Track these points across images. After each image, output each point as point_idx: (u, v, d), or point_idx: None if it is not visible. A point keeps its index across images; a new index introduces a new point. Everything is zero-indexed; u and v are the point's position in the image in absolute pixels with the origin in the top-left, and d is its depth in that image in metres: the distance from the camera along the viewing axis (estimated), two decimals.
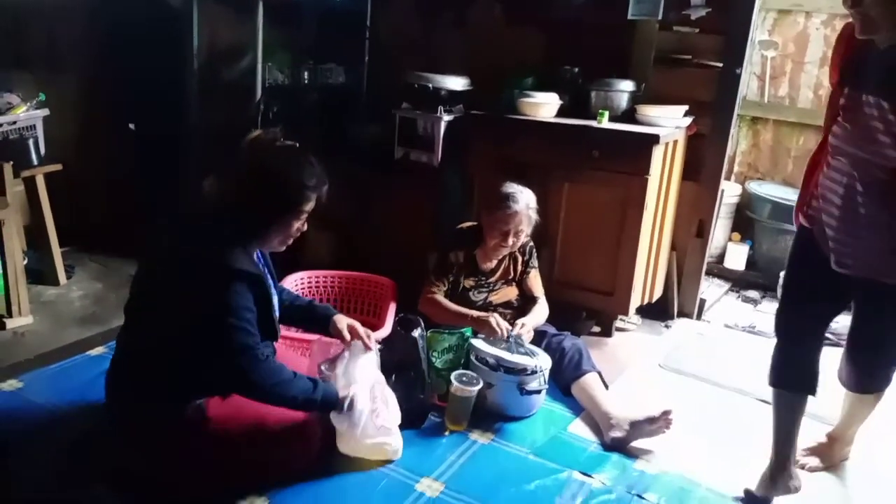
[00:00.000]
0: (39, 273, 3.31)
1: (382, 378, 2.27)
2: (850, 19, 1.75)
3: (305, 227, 2.05)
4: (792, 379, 2.07)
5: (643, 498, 2.12)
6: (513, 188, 2.70)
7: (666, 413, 2.32)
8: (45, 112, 3.38)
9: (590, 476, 2.20)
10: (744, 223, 4.18)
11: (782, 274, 2.41)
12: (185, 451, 1.97)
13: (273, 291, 2.11)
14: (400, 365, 2.40)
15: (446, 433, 2.37)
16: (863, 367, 2.14)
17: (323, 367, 2.17)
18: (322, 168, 2.01)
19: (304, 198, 1.97)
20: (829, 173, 1.90)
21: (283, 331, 2.24)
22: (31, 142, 3.17)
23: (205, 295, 1.85)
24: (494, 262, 2.79)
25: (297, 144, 2.02)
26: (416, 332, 2.45)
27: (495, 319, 2.58)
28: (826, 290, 1.99)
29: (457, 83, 3.50)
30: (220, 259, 1.86)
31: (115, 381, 2.06)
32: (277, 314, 2.11)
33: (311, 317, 2.32)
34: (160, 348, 1.94)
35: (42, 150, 3.29)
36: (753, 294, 3.90)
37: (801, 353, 2.07)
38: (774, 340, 2.14)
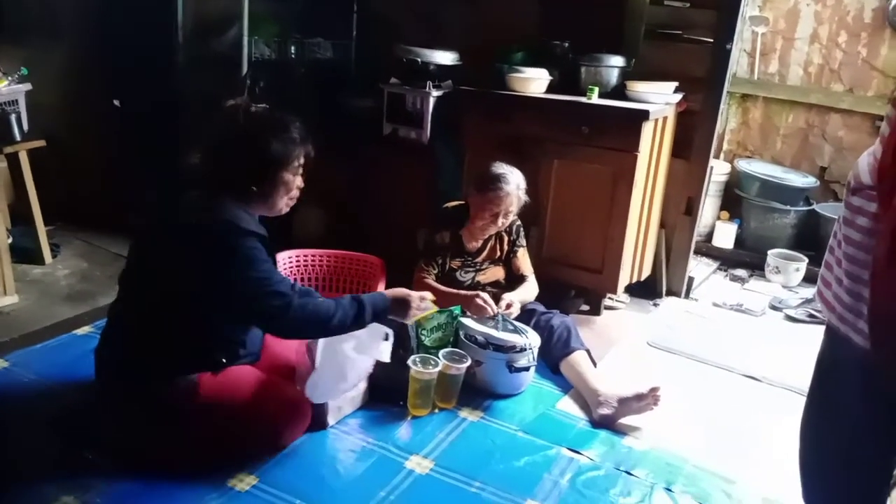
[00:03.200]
0: (24, 251, 3.26)
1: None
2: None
3: (301, 184, 2.07)
4: None
5: (631, 474, 2.14)
6: (503, 169, 2.68)
7: (654, 390, 2.33)
8: (28, 87, 3.32)
9: (578, 452, 2.22)
10: (732, 201, 4.19)
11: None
12: (175, 427, 1.99)
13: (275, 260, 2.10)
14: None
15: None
16: None
17: (313, 346, 2.16)
18: (301, 125, 2.03)
19: (287, 151, 1.98)
20: None
21: None
22: (13, 117, 3.11)
23: (219, 254, 1.86)
24: (480, 242, 2.78)
25: (270, 107, 2.06)
26: None
27: (482, 298, 2.58)
28: None
29: (446, 58, 3.47)
30: (230, 220, 1.88)
31: (106, 354, 2.06)
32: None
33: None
34: (159, 319, 1.95)
35: (25, 126, 3.22)
36: (741, 273, 3.92)
37: None
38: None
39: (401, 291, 2.16)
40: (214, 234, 1.87)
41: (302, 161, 2.03)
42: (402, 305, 2.14)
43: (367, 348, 2.13)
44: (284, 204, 2.06)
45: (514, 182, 2.65)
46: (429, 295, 2.23)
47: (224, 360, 2.03)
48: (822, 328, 1.53)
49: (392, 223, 3.32)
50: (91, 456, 1.98)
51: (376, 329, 2.12)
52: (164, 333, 1.96)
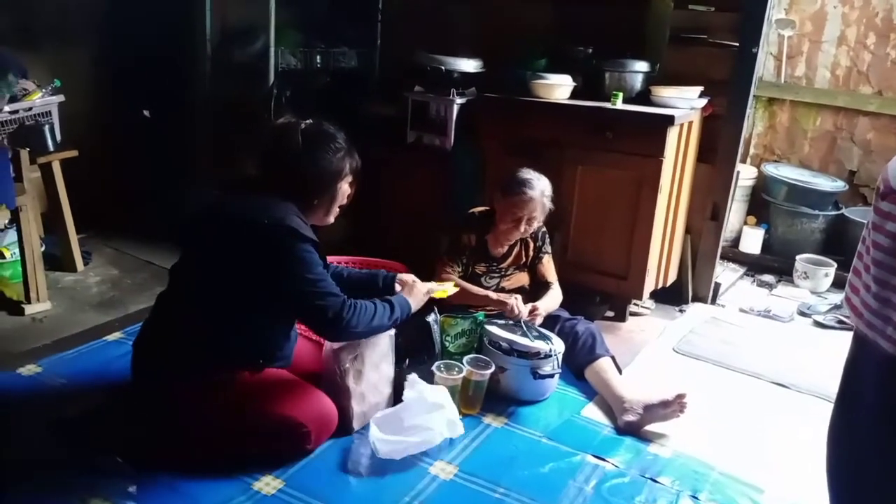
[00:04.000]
0: (57, 259, 3.34)
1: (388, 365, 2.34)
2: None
3: (350, 192, 2.19)
4: None
5: (657, 481, 2.12)
6: (529, 174, 2.68)
7: (680, 397, 2.31)
8: (61, 98, 3.39)
9: (603, 459, 2.21)
10: (759, 206, 4.15)
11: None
12: (205, 424, 2.02)
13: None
14: (413, 349, 2.42)
15: None
16: None
17: (339, 352, 2.18)
18: (346, 137, 2.15)
19: (342, 163, 2.10)
20: None
21: None
22: (46, 128, 3.18)
23: (279, 254, 1.94)
24: (506, 248, 2.78)
25: (318, 121, 2.15)
26: (430, 317, 2.45)
27: (515, 301, 2.57)
28: None
29: (469, 65, 3.48)
30: (291, 225, 1.96)
31: (146, 346, 2.12)
32: None
33: (373, 285, 2.39)
34: (206, 314, 2.01)
35: (58, 137, 3.30)
36: (769, 278, 3.87)
37: None
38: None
39: (415, 291, 2.30)
40: (277, 235, 1.94)
41: (350, 171, 2.14)
42: (419, 302, 2.30)
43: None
44: (334, 214, 2.18)
45: (539, 188, 2.65)
46: (434, 286, 2.39)
47: (262, 362, 2.09)
48: (851, 334, 1.51)
49: (415, 229, 3.33)
50: (119, 459, 2.01)
51: None
52: (209, 329, 2.01)
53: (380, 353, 2.27)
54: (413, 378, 2.24)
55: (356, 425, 2.24)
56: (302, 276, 1.96)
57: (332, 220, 2.18)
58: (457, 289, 2.47)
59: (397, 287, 2.34)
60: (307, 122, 2.11)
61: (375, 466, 2.09)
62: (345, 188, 2.14)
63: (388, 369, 2.33)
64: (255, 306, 2.02)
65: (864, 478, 1.49)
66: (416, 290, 2.30)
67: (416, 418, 2.13)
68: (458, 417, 2.21)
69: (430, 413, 2.15)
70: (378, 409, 2.27)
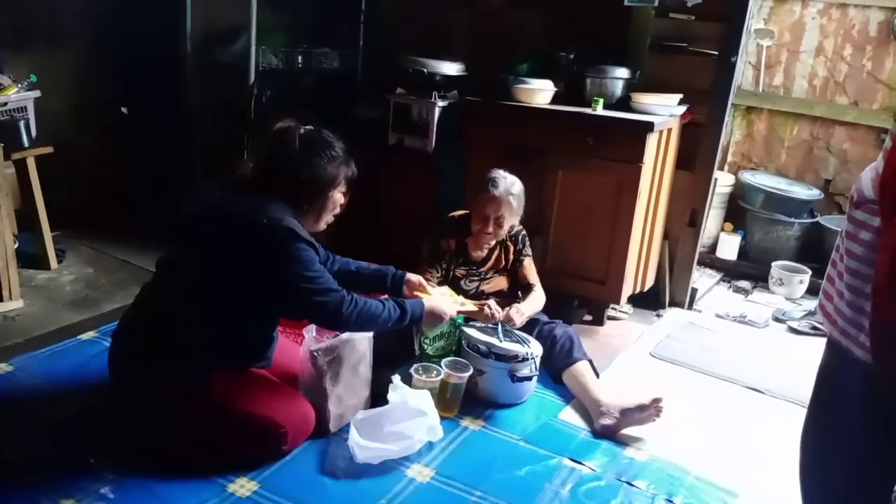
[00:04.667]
0: (30, 257, 3.28)
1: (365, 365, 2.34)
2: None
3: (343, 201, 2.20)
4: None
5: (632, 485, 2.13)
6: (496, 173, 2.68)
7: (656, 401, 2.33)
8: (37, 93, 3.34)
9: (580, 463, 2.21)
10: (736, 213, 4.19)
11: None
12: (183, 424, 2.01)
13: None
14: (394, 353, 2.42)
15: None
16: None
17: (316, 354, 2.17)
18: (344, 145, 2.16)
19: (337, 172, 2.11)
20: None
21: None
22: (21, 123, 3.14)
23: (276, 253, 1.95)
24: (485, 251, 2.78)
25: (317, 128, 2.16)
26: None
27: (489, 307, 2.57)
28: None
29: (451, 68, 3.49)
30: (288, 225, 1.96)
31: (125, 342, 2.09)
32: None
33: (381, 282, 2.41)
34: (191, 312, 2.00)
35: (33, 132, 3.25)
36: (745, 284, 3.91)
37: None
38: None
39: (439, 308, 2.28)
40: (276, 234, 1.95)
41: (345, 179, 2.15)
42: (434, 319, 2.29)
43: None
44: (326, 221, 2.18)
45: (503, 186, 2.64)
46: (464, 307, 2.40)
47: (245, 362, 2.08)
48: (825, 340, 1.52)
49: (397, 231, 3.33)
50: (93, 460, 1.98)
51: None
52: (196, 327, 2.00)
53: (358, 355, 2.26)
54: (397, 381, 2.24)
55: (333, 427, 2.23)
56: (300, 273, 1.97)
57: (322, 226, 2.19)
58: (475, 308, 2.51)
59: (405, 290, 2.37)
60: (306, 127, 2.12)
61: (352, 469, 2.08)
62: (337, 196, 2.15)
63: (366, 371, 2.32)
64: (247, 306, 2.02)
65: (837, 482, 1.51)
66: (439, 310, 2.28)
67: (398, 425, 2.13)
68: (438, 423, 2.20)
69: (412, 420, 2.14)
70: (355, 410, 2.26)
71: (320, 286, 2.00)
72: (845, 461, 1.47)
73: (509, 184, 2.66)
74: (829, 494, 1.55)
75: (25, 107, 3.31)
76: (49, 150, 3.22)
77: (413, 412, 2.16)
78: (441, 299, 2.35)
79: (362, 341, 2.28)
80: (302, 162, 2.05)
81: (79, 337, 2.72)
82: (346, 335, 2.23)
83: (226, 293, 1.99)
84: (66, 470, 1.95)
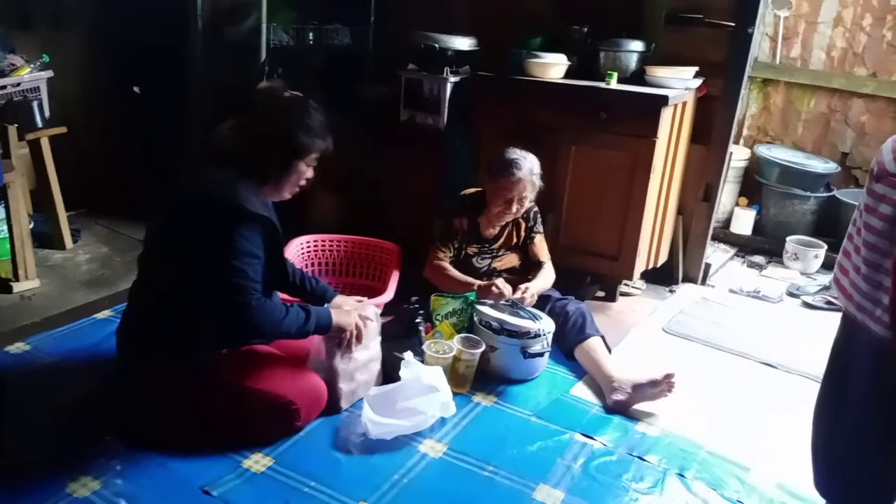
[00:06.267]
0: (46, 237, 3.32)
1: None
2: None
3: (311, 175, 2.10)
4: None
5: (644, 460, 2.14)
6: (516, 154, 2.67)
7: (668, 376, 2.33)
8: (50, 74, 3.35)
9: (592, 438, 2.22)
10: (751, 188, 4.15)
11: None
12: (193, 405, 2.03)
13: (282, 239, 2.11)
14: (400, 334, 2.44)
15: None
16: None
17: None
18: (325, 117, 2.07)
19: (309, 143, 2.02)
20: None
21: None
22: (35, 104, 3.15)
23: (214, 234, 1.89)
24: (497, 229, 2.78)
25: (303, 95, 2.09)
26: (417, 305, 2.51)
27: (498, 285, 2.58)
28: None
29: (463, 43, 3.45)
30: (232, 199, 1.90)
31: (127, 333, 2.10)
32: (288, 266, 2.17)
33: (307, 296, 2.33)
34: (175, 297, 1.98)
35: (46, 113, 3.27)
36: (759, 259, 3.88)
37: None
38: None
39: (343, 312, 2.17)
40: (218, 215, 1.90)
41: (317, 153, 2.07)
42: (343, 325, 2.15)
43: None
44: (289, 191, 2.10)
45: (526, 167, 2.63)
46: (371, 315, 2.27)
47: (241, 340, 2.07)
48: (839, 315, 1.51)
49: (407, 209, 3.32)
50: (109, 437, 2.01)
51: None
52: (181, 311, 1.98)
53: (369, 333, 2.27)
54: (409, 357, 2.25)
55: (344, 404, 2.24)
56: (226, 261, 1.88)
57: (286, 196, 2.11)
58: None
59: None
60: (292, 92, 2.07)
61: (365, 444, 2.10)
62: (303, 168, 2.06)
63: (377, 347, 2.33)
64: (209, 278, 1.93)
65: (849, 456, 1.51)
66: (346, 311, 2.19)
67: (410, 401, 2.14)
68: (451, 398, 2.21)
69: (425, 396, 2.15)
70: (367, 387, 2.27)
71: (237, 281, 1.89)
72: (855, 434, 1.47)
73: (531, 164, 2.66)
74: (837, 467, 1.55)
75: (38, 87, 3.33)
76: (63, 130, 3.24)
77: (426, 388, 2.17)
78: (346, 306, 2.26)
79: (372, 318, 2.28)
80: (274, 124, 1.99)
81: (94, 316, 2.75)
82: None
83: (196, 274, 1.93)
84: (83, 447, 1.99)
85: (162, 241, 2.05)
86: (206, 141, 2.12)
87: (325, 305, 2.21)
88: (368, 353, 2.28)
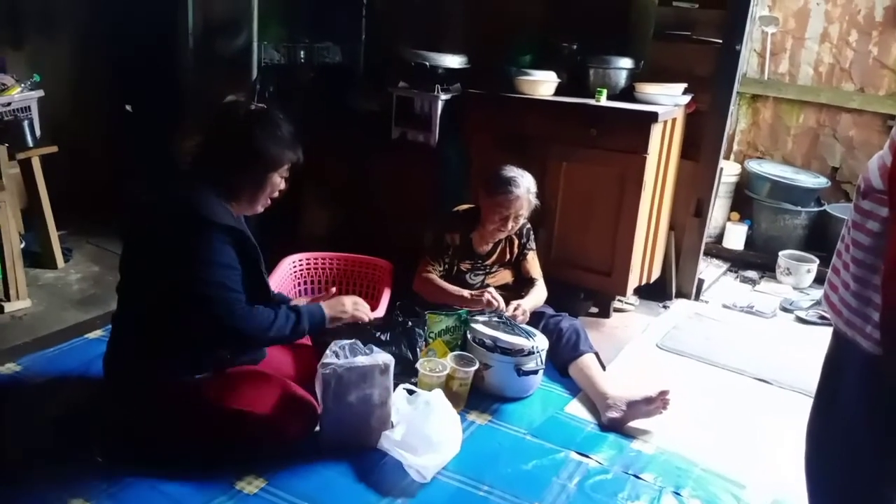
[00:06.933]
0: (37, 256, 3.30)
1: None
2: None
3: (284, 186, 2.09)
4: None
5: (640, 478, 2.13)
6: (513, 172, 2.68)
7: (663, 393, 2.32)
8: (40, 93, 3.35)
9: (587, 456, 2.21)
10: (743, 202, 4.17)
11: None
12: (181, 427, 2.01)
13: (259, 252, 2.07)
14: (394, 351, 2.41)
15: None
16: None
17: (324, 371, 2.12)
18: (293, 130, 2.06)
19: (280, 154, 2.02)
20: None
21: None
22: (25, 123, 3.14)
23: (185, 250, 1.88)
24: (490, 245, 2.78)
25: (267, 108, 2.09)
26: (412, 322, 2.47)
27: (489, 294, 2.58)
28: None
29: (454, 61, 3.47)
30: (196, 210, 1.88)
31: (112, 359, 2.09)
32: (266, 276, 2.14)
33: None
34: (152, 320, 1.96)
35: (37, 132, 3.26)
36: (752, 274, 3.89)
37: None
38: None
39: (334, 302, 2.18)
40: (186, 229, 1.88)
41: (285, 166, 2.06)
42: (338, 312, 2.16)
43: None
44: (262, 205, 2.09)
45: (524, 186, 2.65)
46: (362, 304, 2.24)
47: (228, 358, 2.06)
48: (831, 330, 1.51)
49: (400, 226, 3.32)
50: (100, 459, 1.99)
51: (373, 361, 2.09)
52: (164, 334, 1.97)
53: (372, 382, 2.10)
54: (409, 389, 2.22)
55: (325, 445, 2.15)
56: (202, 275, 1.87)
57: (259, 209, 2.09)
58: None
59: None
60: (257, 104, 2.06)
61: (359, 465, 2.08)
62: (276, 180, 2.05)
63: (383, 398, 2.14)
64: (181, 294, 1.91)
65: (841, 473, 1.50)
66: (336, 301, 2.18)
67: (442, 429, 2.09)
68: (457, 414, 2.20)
69: (448, 418, 2.12)
70: (368, 435, 2.15)
71: (214, 294, 1.88)
72: (848, 451, 1.47)
73: (528, 182, 2.68)
74: (830, 485, 1.54)
75: (29, 106, 3.32)
76: (53, 149, 3.23)
77: (445, 410, 2.13)
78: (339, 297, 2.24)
79: (376, 369, 2.10)
80: (244, 137, 1.97)
81: (86, 336, 2.73)
82: (361, 360, 2.08)
83: (174, 292, 1.91)
84: (75, 469, 1.96)
85: (136, 265, 2.02)
86: (171, 159, 2.10)
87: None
88: (369, 404, 2.12)
